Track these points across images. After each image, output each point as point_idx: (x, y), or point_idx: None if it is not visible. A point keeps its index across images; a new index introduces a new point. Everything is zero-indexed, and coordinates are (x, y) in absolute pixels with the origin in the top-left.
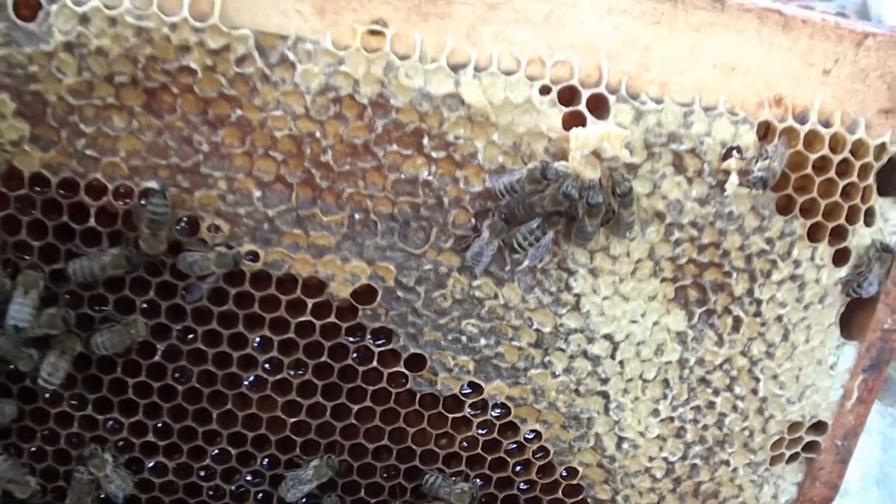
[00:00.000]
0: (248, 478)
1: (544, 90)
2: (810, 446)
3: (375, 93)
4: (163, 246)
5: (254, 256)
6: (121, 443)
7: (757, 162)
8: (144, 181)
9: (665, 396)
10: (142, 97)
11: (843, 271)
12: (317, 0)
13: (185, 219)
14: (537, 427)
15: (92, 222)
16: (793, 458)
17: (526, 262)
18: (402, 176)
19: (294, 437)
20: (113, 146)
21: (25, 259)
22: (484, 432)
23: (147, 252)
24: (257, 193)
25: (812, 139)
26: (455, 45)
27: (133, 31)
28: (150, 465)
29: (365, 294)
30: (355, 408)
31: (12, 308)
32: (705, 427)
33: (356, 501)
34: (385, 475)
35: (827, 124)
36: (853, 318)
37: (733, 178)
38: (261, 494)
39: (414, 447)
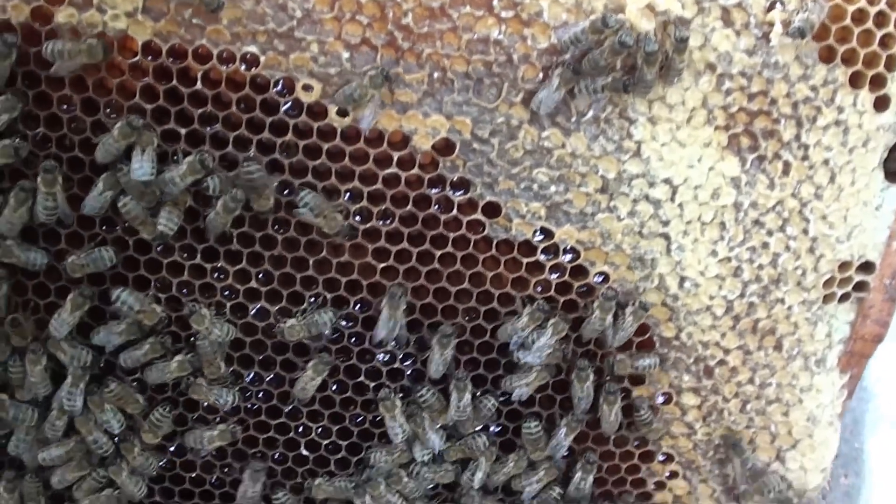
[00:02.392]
0: (343, 322)
1: None
2: (860, 286)
3: None
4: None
5: (344, 112)
6: (227, 291)
7: (798, 14)
8: (245, 46)
9: (722, 238)
10: None
11: (885, 117)
12: None
13: (280, 80)
14: (605, 269)
15: (198, 85)
16: (844, 297)
17: (590, 113)
18: (475, 36)
19: (384, 281)
20: (216, 15)
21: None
22: (556, 276)
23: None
24: (345, 55)
25: None
26: None
27: None
28: (254, 310)
29: (444, 147)
30: (438, 253)
31: (134, 165)
32: (760, 266)
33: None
34: (467, 317)
35: None
36: None
37: (777, 29)
38: (354, 338)
39: (492, 290)
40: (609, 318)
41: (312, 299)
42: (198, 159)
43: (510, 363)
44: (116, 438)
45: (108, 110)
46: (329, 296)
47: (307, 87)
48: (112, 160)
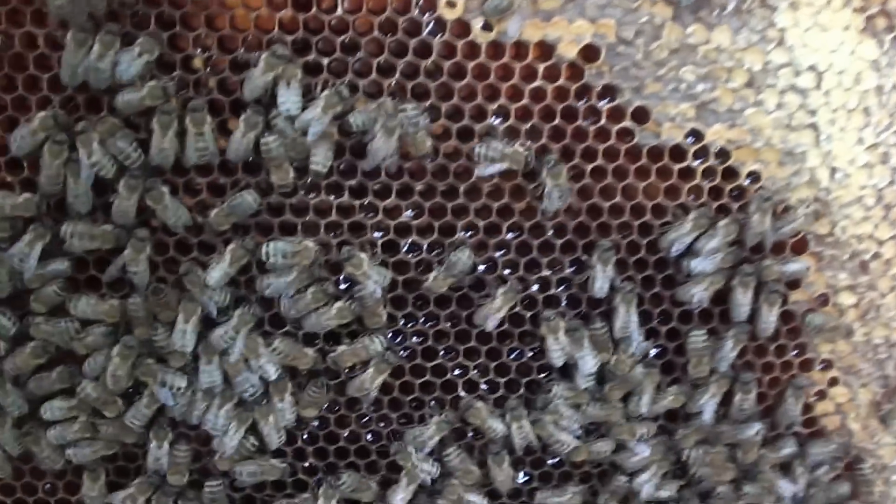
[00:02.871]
0: (496, 254)
1: None
2: None
3: None
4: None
5: (488, 27)
6: (379, 233)
7: None
8: None
9: (868, 124)
10: None
11: None
12: None
13: None
14: (756, 167)
15: (339, 11)
16: None
17: (732, 5)
18: None
19: (537, 204)
20: None
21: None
22: (707, 180)
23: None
24: None
25: None
26: None
27: None
28: (405, 246)
29: (589, 53)
30: (588, 168)
31: (280, 99)
32: None
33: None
34: (621, 234)
35: None
36: None
37: None
38: (508, 269)
39: (644, 202)
40: (768, 220)
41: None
42: (336, 93)
43: (667, 278)
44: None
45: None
46: (482, 223)
47: (450, 3)
48: (259, 95)
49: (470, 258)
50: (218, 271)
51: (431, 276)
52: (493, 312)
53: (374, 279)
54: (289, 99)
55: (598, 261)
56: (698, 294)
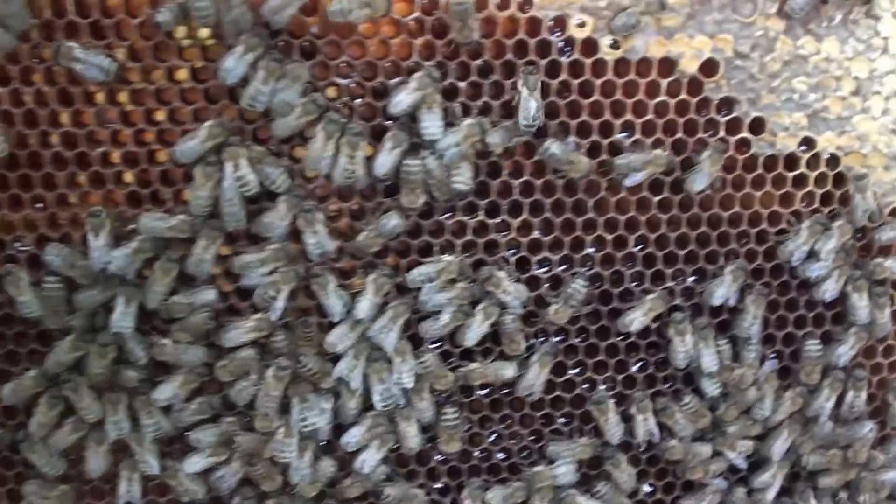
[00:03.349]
0: (623, 266)
1: None
2: None
3: None
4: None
5: (616, 45)
6: (513, 250)
7: None
8: None
9: None
10: None
11: None
12: None
13: (554, 18)
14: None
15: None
16: None
17: (839, 17)
18: None
19: (660, 214)
20: None
21: None
22: (819, 187)
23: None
24: None
25: None
26: None
27: None
28: (538, 262)
29: (709, 67)
30: None
31: (424, 124)
32: None
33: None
34: (739, 243)
35: None
36: None
37: None
38: (634, 282)
39: (760, 210)
40: (870, 196)
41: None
42: (477, 123)
43: (783, 284)
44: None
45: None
46: (609, 236)
47: (581, 24)
48: (404, 113)
49: (585, 287)
50: (366, 303)
51: (552, 308)
52: (640, 316)
53: (513, 296)
54: (432, 123)
55: (729, 273)
56: (830, 292)
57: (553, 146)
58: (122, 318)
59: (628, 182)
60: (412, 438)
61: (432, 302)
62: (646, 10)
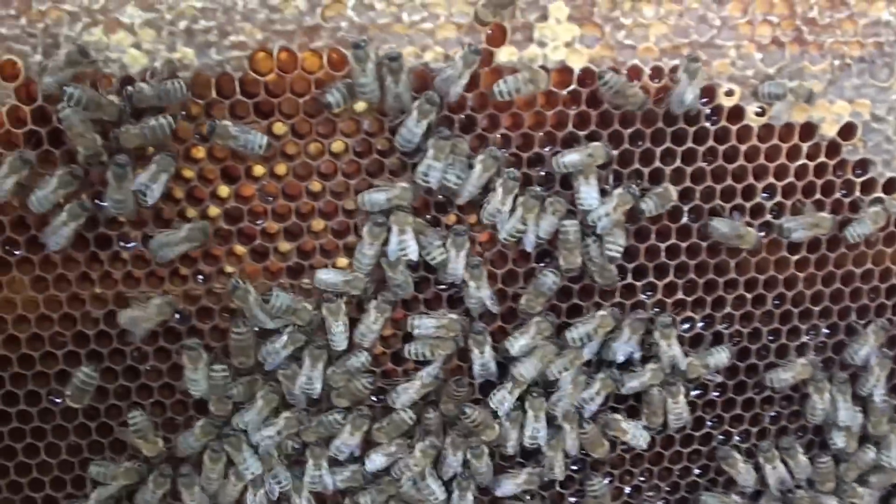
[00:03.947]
0: (761, 324)
1: None
2: None
3: None
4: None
5: (761, 111)
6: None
7: None
8: (671, 60)
9: None
10: None
11: None
12: None
13: (701, 89)
14: None
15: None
16: None
17: None
18: (868, 20)
19: (798, 273)
20: (645, 33)
21: None
22: None
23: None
24: (758, 56)
25: None
26: None
27: None
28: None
29: (846, 131)
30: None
31: (582, 194)
32: None
33: None
34: (869, 298)
35: None
36: None
37: None
38: (771, 337)
39: (892, 266)
40: None
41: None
42: (628, 191)
43: None
44: None
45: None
46: (749, 295)
47: (729, 92)
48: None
49: (728, 355)
50: (523, 340)
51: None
52: (790, 378)
53: (674, 353)
54: (589, 195)
55: (872, 333)
56: None
57: (721, 225)
58: (310, 381)
59: (795, 238)
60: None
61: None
62: (795, 91)
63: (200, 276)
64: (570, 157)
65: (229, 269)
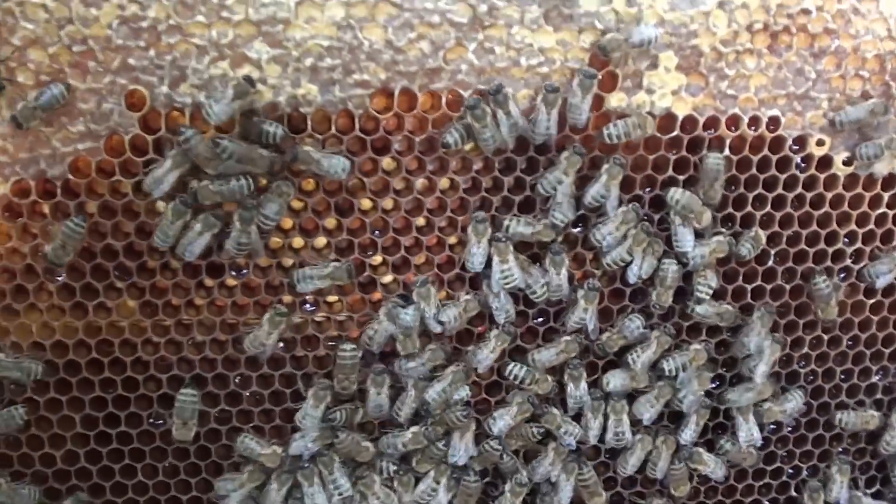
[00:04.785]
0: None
1: None
2: None
3: None
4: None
5: (847, 162)
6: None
7: None
8: (769, 110)
9: None
10: (767, 39)
11: None
12: None
13: (796, 137)
14: None
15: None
16: None
17: None
18: None
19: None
20: (746, 83)
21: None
22: None
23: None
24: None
25: None
26: None
27: None
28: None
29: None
30: None
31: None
32: None
33: None
34: None
35: None
36: None
37: None
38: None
39: None
40: None
41: None
42: (725, 238)
43: None
44: None
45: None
46: (809, 336)
47: (820, 142)
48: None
49: (802, 399)
50: (579, 388)
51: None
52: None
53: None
54: (685, 239)
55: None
56: None
57: (824, 284)
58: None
59: (880, 285)
60: None
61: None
62: (889, 146)
63: (308, 305)
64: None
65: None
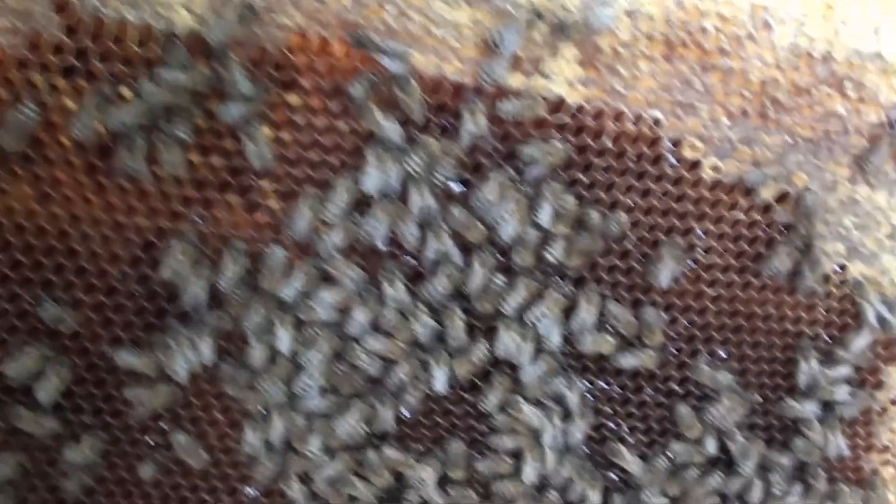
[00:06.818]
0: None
1: None
2: None
3: (824, 50)
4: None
5: (716, 170)
6: None
7: None
8: (652, 111)
9: None
10: (664, 49)
11: None
12: None
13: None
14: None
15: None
16: None
17: (893, 174)
18: (824, 110)
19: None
20: (635, 84)
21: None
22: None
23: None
24: (727, 122)
25: None
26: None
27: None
28: None
29: (780, 196)
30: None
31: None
32: None
33: None
34: None
35: None
36: None
37: None
38: None
39: None
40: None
41: None
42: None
43: None
44: None
45: None
46: None
47: (693, 147)
48: None
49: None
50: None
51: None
52: None
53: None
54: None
55: None
56: None
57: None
58: None
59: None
60: None
61: None
62: None
63: None
64: None
65: None
